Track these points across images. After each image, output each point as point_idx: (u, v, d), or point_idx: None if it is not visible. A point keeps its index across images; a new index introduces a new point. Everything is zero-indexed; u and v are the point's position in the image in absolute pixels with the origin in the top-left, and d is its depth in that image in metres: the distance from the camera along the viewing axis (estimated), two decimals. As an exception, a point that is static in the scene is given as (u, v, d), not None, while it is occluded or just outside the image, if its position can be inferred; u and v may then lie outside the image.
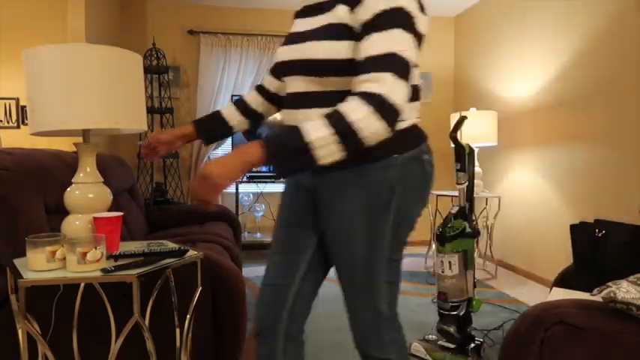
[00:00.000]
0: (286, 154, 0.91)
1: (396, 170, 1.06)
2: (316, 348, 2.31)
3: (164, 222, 3.25)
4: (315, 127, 0.92)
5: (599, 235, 1.88)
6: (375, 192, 1.06)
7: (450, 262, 2.07)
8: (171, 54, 4.49)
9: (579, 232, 1.99)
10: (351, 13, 1.03)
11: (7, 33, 3.82)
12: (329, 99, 1.07)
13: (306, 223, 1.21)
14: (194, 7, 4.58)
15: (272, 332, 1.20)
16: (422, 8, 1.05)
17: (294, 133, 0.92)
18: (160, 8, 4.54)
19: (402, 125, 1.08)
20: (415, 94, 1.12)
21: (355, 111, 0.92)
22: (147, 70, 4.22)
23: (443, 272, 2.11)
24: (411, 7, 1.00)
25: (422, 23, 1.04)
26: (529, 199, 3.71)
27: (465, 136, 3.74)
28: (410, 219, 1.10)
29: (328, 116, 0.93)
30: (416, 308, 2.91)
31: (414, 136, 1.11)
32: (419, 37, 1.03)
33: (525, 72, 3.74)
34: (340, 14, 1.04)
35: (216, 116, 1.37)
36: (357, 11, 1.02)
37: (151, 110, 4.21)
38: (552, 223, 3.42)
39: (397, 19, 0.98)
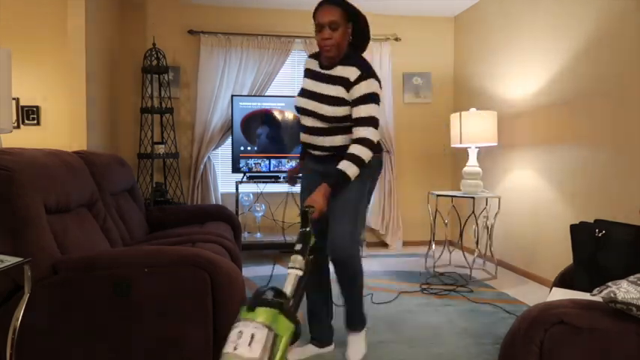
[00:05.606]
0: (340, 185, 1.95)
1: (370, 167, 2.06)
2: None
3: (164, 222, 3.25)
4: (347, 167, 1.92)
5: (599, 235, 1.88)
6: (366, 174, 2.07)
7: (252, 335, 1.23)
8: (171, 54, 4.49)
9: (579, 232, 1.99)
10: (346, 93, 1.99)
11: (7, 33, 3.82)
12: (332, 132, 2.06)
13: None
14: (194, 7, 4.58)
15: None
16: (380, 83, 2.03)
17: (341, 175, 1.92)
18: (160, 8, 4.54)
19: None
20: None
21: (362, 153, 1.94)
22: (147, 70, 4.21)
23: (235, 349, 1.21)
24: (379, 90, 2.01)
25: (380, 94, 2.03)
26: (529, 199, 3.71)
27: (466, 136, 3.74)
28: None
29: (350, 158, 1.93)
30: (415, 308, 2.91)
31: (379, 148, 2.14)
32: (379, 103, 2.02)
33: (525, 72, 3.74)
34: (340, 91, 2.00)
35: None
36: (351, 93, 1.98)
37: (151, 110, 4.20)
38: (552, 223, 3.42)
39: (373, 98, 1.98)
